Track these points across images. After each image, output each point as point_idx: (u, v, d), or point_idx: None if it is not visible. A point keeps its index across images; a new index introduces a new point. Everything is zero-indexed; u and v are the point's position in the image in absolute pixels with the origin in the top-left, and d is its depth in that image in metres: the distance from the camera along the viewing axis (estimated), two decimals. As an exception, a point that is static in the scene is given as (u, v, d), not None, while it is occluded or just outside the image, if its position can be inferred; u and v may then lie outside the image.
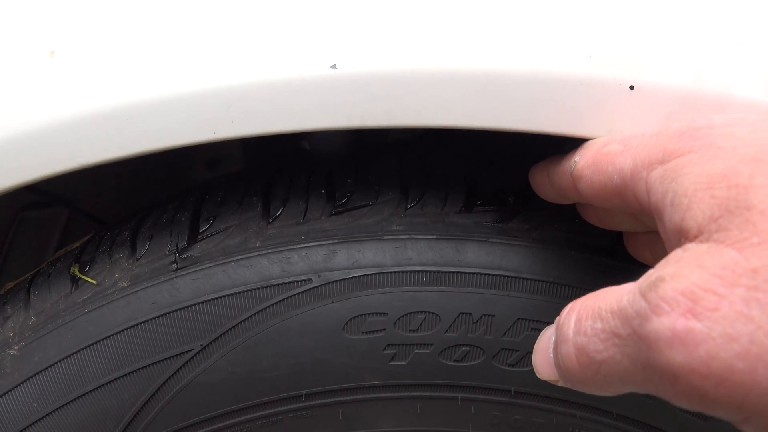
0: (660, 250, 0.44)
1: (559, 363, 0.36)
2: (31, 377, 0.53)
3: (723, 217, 0.29)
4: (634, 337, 0.30)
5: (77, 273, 0.55)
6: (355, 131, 0.62)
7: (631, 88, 0.40)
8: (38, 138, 0.44)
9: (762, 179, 0.29)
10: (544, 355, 0.38)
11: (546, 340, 0.39)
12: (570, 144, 0.44)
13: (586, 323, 0.33)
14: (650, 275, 0.31)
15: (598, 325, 0.33)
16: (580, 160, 0.42)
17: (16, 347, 0.53)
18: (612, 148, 0.40)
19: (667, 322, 0.28)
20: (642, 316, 0.30)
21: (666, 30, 0.40)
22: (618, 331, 0.31)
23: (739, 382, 0.27)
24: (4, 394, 0.53)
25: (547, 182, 0.47)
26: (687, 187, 0.31)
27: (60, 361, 0.53)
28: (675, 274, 0.29)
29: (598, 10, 0.40)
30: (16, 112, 0.43)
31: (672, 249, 0.32)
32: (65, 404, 0.53)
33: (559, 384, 0.37)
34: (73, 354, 0.52)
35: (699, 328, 0.27)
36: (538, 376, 0.39)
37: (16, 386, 0.53)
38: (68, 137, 0.44)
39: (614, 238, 0.51)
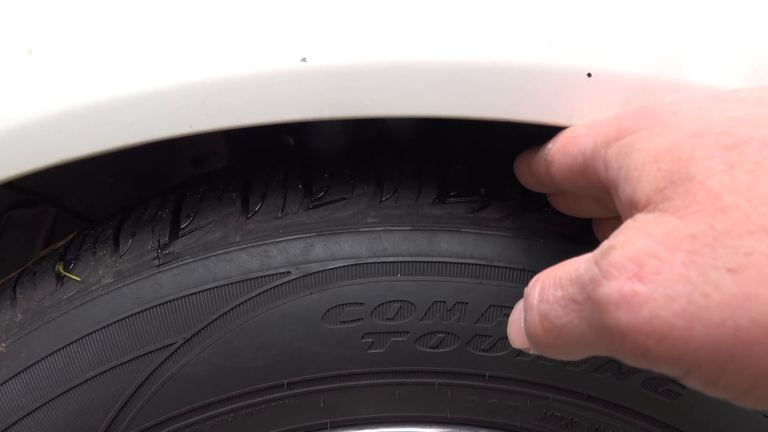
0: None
1: (527, 330, 0.38)
2: (19, 373, 0.54)
3: (667, 188, 0.31)
4: (589, 302, 0.32)
5: (62, 271, 0.56)
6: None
7: (589, 75, 0.41)
8: (18, 134, 0.45)
9: (702, 152, 0.31)
10: (517, 326, 0.40)
11: (518, 311, 0.41)
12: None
13: (549, 291, 0.36)
14: (604, 245, 0.33)
15: (559, 292, 0.35)
16: (552, 147, 0.44)
17: (3, 344, 0.55)
18: (577, 132, 0.42)
19: (615, 286, 0.30)
20: (595, 281, 0.32)
21: (621, 19, 0.41)
22: (575, 297, 0.33)
23: (678, 339, 0.28)
24: (-8, 391, 0.54)
25: (527, 171, 0.49)
26: (637, 162, 0.33)
27: (47, 356, 0.54)
28: (624, 242, 0.31)
29: (556, 1, 0.42)
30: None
31: (626, 220, 0.34)
32: (53, 399, 0.54)
33: (531, 351, 0.39)
34: (59, 349, 0.53)
35: (643, 290, 0.29)
36: (512, 345, 0.41)
37: (4, 382, 0.54)
38: (47, 133, 0.45)
39: (582, 226, 0.53)
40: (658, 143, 0.33)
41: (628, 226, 0.32)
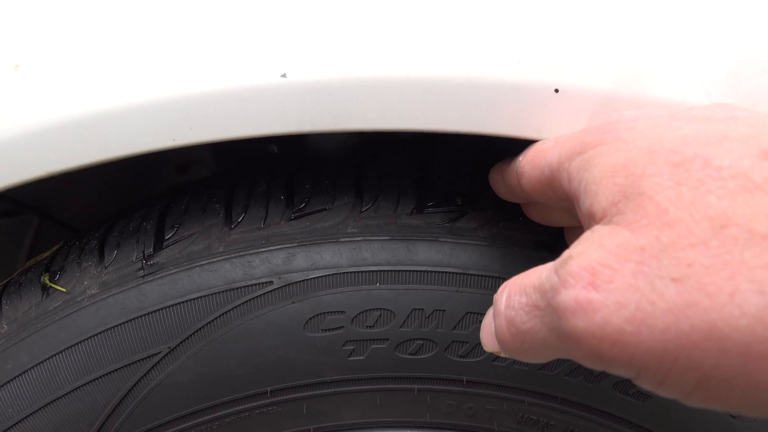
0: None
1: (496, 334, 0.39)
2: (5, 384, 0.55)
3: (621, 201, 0.33)
4: (549, 308, 0.34)
5: (47, 282, 0.57)
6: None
7: (556, 90, 0.43)
8: (5, 147, 0.46)
9: (653, 169, 0.33)
10: (488, 330, 0.42)
11: (490, 316, 0.43)
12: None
13: (514, 298, 0.37)
14: (564, 254, 0.34)
15: (523, 299, 0.37)
16: (522, 159, 0.46)
17: (-11, 355, 0.55)
18: (545, 145, 0.44)
19: (572, 294, 0.32)
20: (554, 289, 0.34)
21: (586, 37, 0.43)
22: (538, 303, 0.35)
23: (627, 343, 0.30)
24: (-22, 401, 0.55)
25: (500, 182, 0.51)
26: (596, 176, 0.35)
27: (33, 367, 0.55)
28: (581, 253, 0.33)
29: (525, 19, 0.43)
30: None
31: (587, 229, 0.36)
32: (39, 409, 0.55)
33: (502, 355, 0.41)
34: (45, 360, 0.54)
35: (597, 298, 0.31)
36: (484, 348, 0.43)
37: (-9, 393, 0.55)
38: (33, 147, 0.46)
39: (555, 234, 0.55)
40: (615, 158, 0.35)
41: (585, 237, 0.34)
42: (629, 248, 0.31)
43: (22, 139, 0.46)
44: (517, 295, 0.37)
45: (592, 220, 0.35)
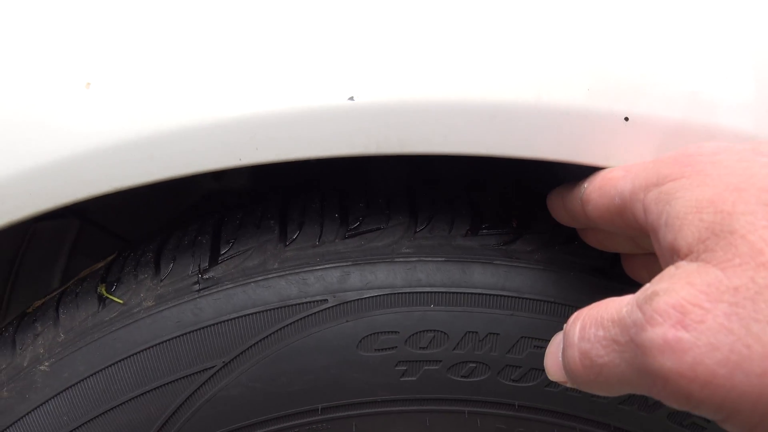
0: (656, 271, 0.48)
1: (565, 365, 0.39)
2: (62, 392, 0.55)
3: (710, 239, 0.32)
4: (631, 344, 0.34)
5: (104, 293, 0.58)
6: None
7: (626, 119, 0.43)
8: (75, 163, 0.47)
9: (743, 207, 0.32)
10: (554, 358, 0.42)
11: (556, 344, 0.42)
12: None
13: (590, 330, 0.37)
14: (647, 289, 0.34)
15: (600, 332, 0.36)
16: (589, 186, 0.46)
17: (46, 363, 0.56)
18: (615, 174, 0.44)
19: (660, 332, 0.31)
20: (638, 325, 0.33)
21: (657, 65, 0.43)
22: (617, 338, 0.35)
23: (720, 386, 0.30)
24: (35, 409, 0.56)
25: (561, 207, 0.51)
26: (679, 210, 0.35)
27: (89, 376, 0.55)
28: (668, 289, 0.32)
29: (596, 48, 0.43)
30: (59, 139, 0.46)
31: (666, 264, 0.35)
32: (93, 418, 0.55)
33: (567, 384, 0.40)
34: (101, 370, 0.55)
35: (687, 337, 0.31)
36: (549, 377, 0.42)
37: (47, 401, 0.56)
38: (103, 163, 0.47)
39: (610, 260, 0.54)
40: (700, 194, 0.34)
41: (670, 273, 0.34)
42: (721, 288, 0.31)
43: (92, 155, 0.46)
44: (594, 327, 0.37)
45: (676, 254, 0.35)
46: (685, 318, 0.31)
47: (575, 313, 0.40)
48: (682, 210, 0.35)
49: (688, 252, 0.34)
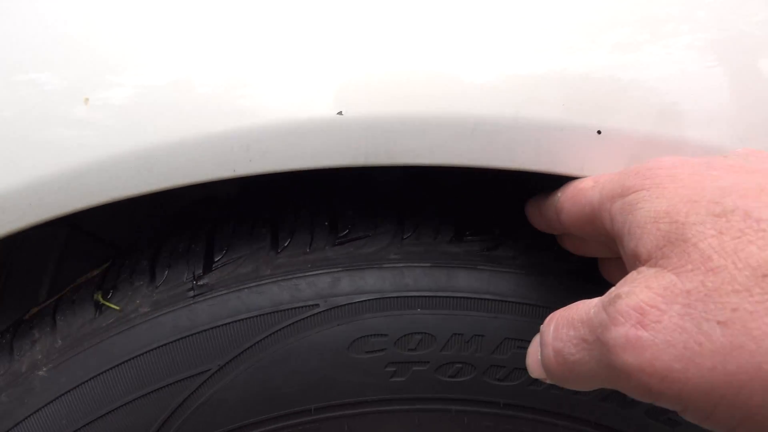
0: (630, 274, 0.51)
1: (543, 363, 0.42)
2: (60, 397, 0.57)
3: (666, 246, 0.35)
4: (598, 343, 0.37)
5: (101, 300, 0.60)
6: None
7: (599, 132, 0.46)
8: (74, 175, 0.49)
9: (695, 218, 0.35)
10: (534, 358, 0.44)
11: (536, 344, 0.45)
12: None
13: (562, 330, 0.40)
14: (611, 292, 0.37)
15: (571, 332, 0.39)
16: (562, 195, 0.48)
17: (44, 369, 0.58)
18: (585, 184, 0.46)
19: (622, 331, 0.35)
20: (603, 325, 0.36)
21: (628, 82, 0.46)
22: (586, 337, 0.38)
23: (676, 380, 0.33)
24: (34, 413, 0.57)
25: (538, 214, 0.54)
26: (639, 220, 0.38)
27: (86, 381, 0.57)
28: (629, 292, 0.35)
29: (570, 66, 0.46)
30: (59, 152, 0.48)
31: (630, 269, 0.38)
32: (92, 421, 0.57)
33: (547, 381, 0.43)
34: (99, 375, 0.57)
35: (646, 336, 0.34)
36: (531, 374, 0.45)
37: (45, 405, 0.57)
38: (101, 175, 0.49)
39: (588, 264, 0.57)
40: (657, 205, 0.37)
41: (632, 277, 0.37)
42: (675, 291, 0.34)
43: (92, 167, 0.48)
44: (565, 327, 0.40)
45: (637, 260, 0.37)
46: (644, 318, 0.34)
47: (551, 315, 0.43)
48: (642, 220, 0.38)
49: (648, 258, 0.36)
